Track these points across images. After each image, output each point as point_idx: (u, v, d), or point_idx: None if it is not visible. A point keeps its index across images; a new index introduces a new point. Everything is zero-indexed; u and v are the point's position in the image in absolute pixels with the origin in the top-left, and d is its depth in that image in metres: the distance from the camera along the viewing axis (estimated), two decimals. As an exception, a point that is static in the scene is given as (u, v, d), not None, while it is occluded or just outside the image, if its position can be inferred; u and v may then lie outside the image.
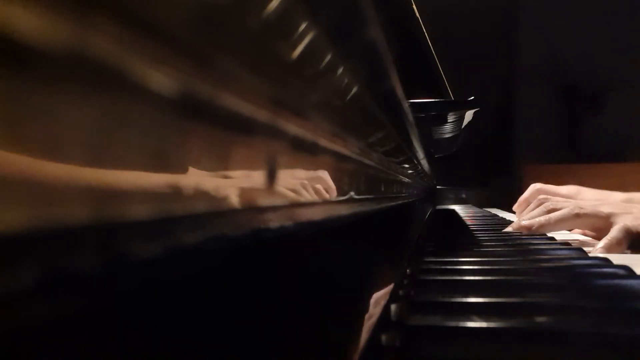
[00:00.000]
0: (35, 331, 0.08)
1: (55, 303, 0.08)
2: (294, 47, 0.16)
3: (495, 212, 1.65)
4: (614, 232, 0.80)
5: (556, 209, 0.92)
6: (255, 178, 0.15)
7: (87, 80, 0.08)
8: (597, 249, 0.76)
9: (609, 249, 0.76)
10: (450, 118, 0.94)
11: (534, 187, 1.12)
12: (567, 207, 0.90)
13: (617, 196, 1.00)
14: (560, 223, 0.90)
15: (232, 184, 0.13)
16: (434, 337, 0.33)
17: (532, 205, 1.01)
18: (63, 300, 0.08)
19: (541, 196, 1.03)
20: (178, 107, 0.10)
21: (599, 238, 0.86)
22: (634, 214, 0.85)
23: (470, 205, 2.17)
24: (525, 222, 0.92)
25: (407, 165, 0.64)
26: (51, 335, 0.08)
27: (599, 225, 0.87)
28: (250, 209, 0.15)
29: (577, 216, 0.89)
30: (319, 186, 0.22)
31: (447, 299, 0.39)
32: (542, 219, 0.90)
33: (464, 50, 2.36)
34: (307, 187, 0.20)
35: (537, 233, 0.88)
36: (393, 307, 0.35)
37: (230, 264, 0.15)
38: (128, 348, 0.10)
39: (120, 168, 0.09)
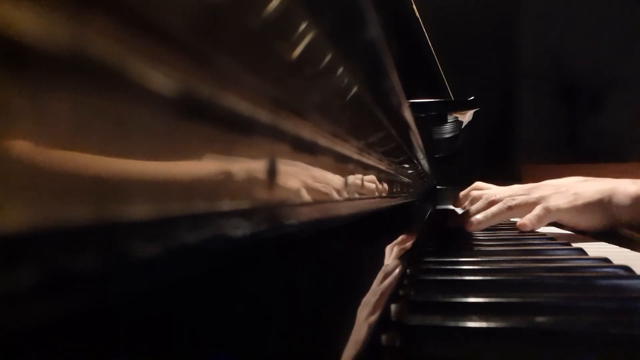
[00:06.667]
0: (35, 331, 0.08)
1: (55, 302, 0.08)
2: (294, 47, 0.16)
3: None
4: (535, 211, 0.89)
5: (495, 201, 0.97)
6: (254, 177, 0.15)
7: (87, 80, 0.08)
8: (517, 225, 0.89)
9: (525, 224, 0.88)
10: (450, 118, 0.94)
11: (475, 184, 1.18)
12: (500, 202, 0.95)
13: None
14: (497, 218, 0.94)
15: (233, 183, 0.13)
16: (434, 337, 0.32)
17: (472, 203, 1.04)
18: (63, 299, 0.08)
19: (475, 192, 1.08)
20: (177, 106, 0.10)
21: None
22: (563, 193, 0.91)
23: (470, 205, 2.17)
24: (474, 219, 0.94)
25: (407, 165, 0.64)
26: (51, 335, 0.08)
27: (531, 210, 0.93)
28: (249, 208, 0.15)
29: (510, 209, 0.94)
30: (318, 185, 0.22)
31: (447, 299, 0.39)
32: (480, 217, 0.94)
33: (464, 50, 2.36)
34: (306, 187, 0.20)
35: (479, 230, 0.93)
36: (393, 307, 0.34)
37: (230, 263, 0.15)
38: (128, 347, 0.10)
39: (120, 167, 0.09)
